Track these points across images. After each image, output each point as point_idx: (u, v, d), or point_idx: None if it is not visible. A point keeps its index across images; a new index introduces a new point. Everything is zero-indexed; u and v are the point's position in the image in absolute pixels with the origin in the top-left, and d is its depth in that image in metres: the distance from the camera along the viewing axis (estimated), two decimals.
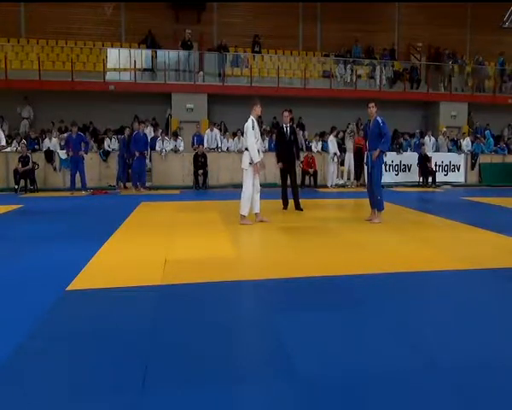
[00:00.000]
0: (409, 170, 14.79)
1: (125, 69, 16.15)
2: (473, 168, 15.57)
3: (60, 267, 4.56)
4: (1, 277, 4.27)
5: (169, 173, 13.62)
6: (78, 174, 11.94)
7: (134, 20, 17.29)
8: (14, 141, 13.14)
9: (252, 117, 6.98)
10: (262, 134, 10.88)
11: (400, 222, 7.40)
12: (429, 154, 14.56)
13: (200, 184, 13.15)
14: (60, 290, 3.79)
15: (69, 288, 3.88)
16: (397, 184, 14.17)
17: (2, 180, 12.79)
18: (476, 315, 3.39)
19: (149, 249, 5.34)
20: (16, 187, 12.12)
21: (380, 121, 7.10)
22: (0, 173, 12.80)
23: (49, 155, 13.12)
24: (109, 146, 13.69)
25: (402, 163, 14.81)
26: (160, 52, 16.62)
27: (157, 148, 13.58)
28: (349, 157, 13.86)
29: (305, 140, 15.17)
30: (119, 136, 13.53)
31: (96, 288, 3.92)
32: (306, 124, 16.60)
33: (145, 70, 16.37)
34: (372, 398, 2.24)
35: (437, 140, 15.91)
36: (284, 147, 8.48)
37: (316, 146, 14.67)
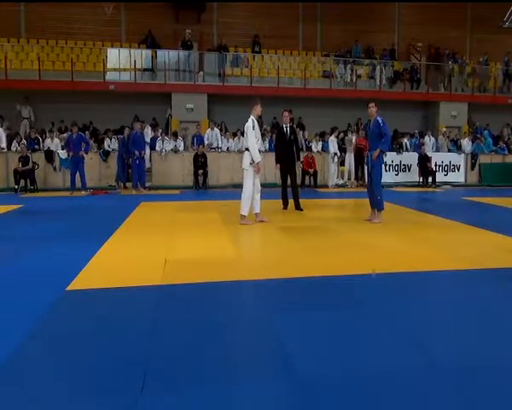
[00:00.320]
0: (409, 170, 14.79)
1: (125, 69, 16.15)
2: (473, 168, 15.57)
3: (60, 267, 4.56)
4: (1, 277, 4.27)
5: (169, 173, 13.62)
6: (78, 174, 11.94)
7: (134, 20, 17.29)
8: (14, 141, 13.13)
9: (252, 117, 6.98)
10: (263, 134, 10.88)
11: (400, 222, 7.40)
12: (429, 154, 14.56)
13: (200, 184, 13.15)
14: (60, 290, 3.79)
15: (69, 288, 3.88)
16: (397, 184, 14.17)
17: (2, 180, 12.79)
18: (476, 315, 3.39)
19: (149, 249, 5.34)
20: (16, 187, 12.12)
21: (380, 121, 7.10)
22: (0, 173, 12.80)
23: (49, 155, 13.12)
24: (109, 146, 13.68)
25: (402, 163, 14.82)
26: (159, 52, 16.62)
27: (157, 148, 13.58)
28: (349, 157, 13.87)
29: (305, 140, 15.18)
30: (119, 136, 13.53)
31: (95, 288, 3.92)
32: (306, 124, 16.60)
33: (145, 70, 16.37)
34: (372, 398, 2.24)
35: (437, 140, 15.91)
36: (284, 147, 8.47)
37: (316, 146, 14.67)
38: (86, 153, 12.23)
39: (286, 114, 8.61)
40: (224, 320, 3.22)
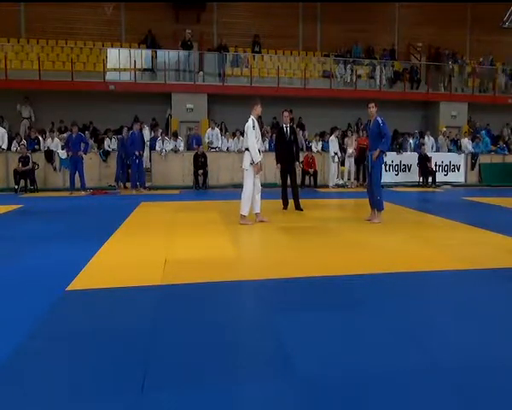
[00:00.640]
0: (409, 170, 14.79)
1: (125, 69, 16.16)
2: (473, 168, 15.57)
3: (60, 267, 4.56)
4: (1, 277, 4.27)
5: (169, 173, 13.61)
6: (77, 174, 11.94)
7: (134, 20, 17.30)
8: (14, 141, 13.14)
9: (252, 117, 6.97)
10: (263, 134, 10.87)
11: (400, 222, 7.40)
12: (429, 154, 14.56)
13: (200, 184, 13.15)
14: (60, 290, 3.79)
15: (69, 288, 3.88)
16: (397, 184, 14.17)
17: (2, 180, 12.79)
18: (476, 315, 3.38)
19: (149, 249, 5.34)
20: (16, 187, 12.12)
21: (380, 121, 7.10)
22: (0, 173, 12.81)
23: (49, 155, 13.12)
24: (109, 146, 13.68)
25: (402, 163, 14.82)
26: (159, 52, 16.62)
27: (157, 148, 13.58)
28: (349, 157, 13.86)
29: (305, 140, 15.18)
30: (119, 136, 13.53)
31: (96, 288, 3.92)
32: (306, 124, 16.61)
33: (145, 70, 16.38)
34: (372, 398, 2.24)
35: (437, 140, 15.91)
36: (284, 147, 8.47)
37: (316, 146, 14.67)
38: (85, 153, 12.23)
39: (286, 114, 8.61)
40: (223, 320, 3.22)
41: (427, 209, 9.06)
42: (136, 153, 12.14)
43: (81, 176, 11.96)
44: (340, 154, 13.66)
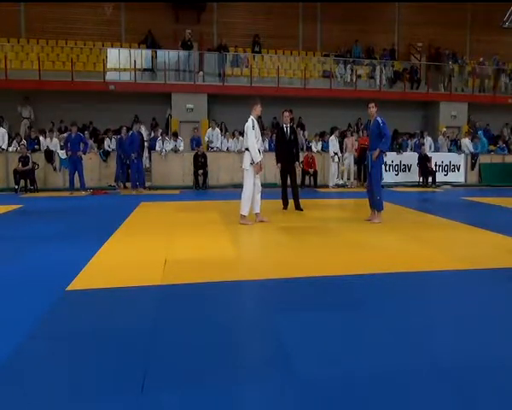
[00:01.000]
0: (409, 170, 14.80)
1: (125, 69, 16.15)
2: (473, 168, 15.57)
3: (60, 267, 4.56)
4: (1, 277, 4.27)
5: (169, 173, 13.61)
6: (77, 174, 11.94)
7: (134, 20, 17.30)
8: (14, 141, 13.13)
9: (252, 117, 6.97)
10: (263, 134, 10.87)
11: (400, 222, 7.40)
12: (429, 154, 14.56)
13: (200, 184, 13.15)
14: (60, 290, 3.79)
15: (69, 288, 3.88)
16: (397, 184, 14.17)
17: (2, 180, 12.79)
18: (476, 315, 3.39)
19: (149, 249, 5.34)
20: (16, 187, 12.12)
21: (380, 121, 7.10)
22: (0, 173, 12.80)
23: (49, 155, 13.12)
24: (109, 146, 13.68)
25: (402, 163, 14.82)
26: (160, 52, 16.62)
27: (157, 148, 13.57)
28: (349, 157, 13.87)
29: (305, 140, 15.18)
30: (118, 136, 13.52)
31: (96, 288, 3.92)
32: (306, 124, 16.62)
33: (145, 70, 16.38)
34: (372, 398, 2.24)
35: (437, 140, 15.91)
36: (284, 147, 8.48)
37: (316, 146, 14.68)
38: (84, 153, 12.23)
39: (286, 114, 8.61)
40: (223, 320, 3.22)
41: (427, 209, 9.06)
42: (134, 154, 12.08)
43: (80, 176, 11.96)
44: (340, 154, 13.67)
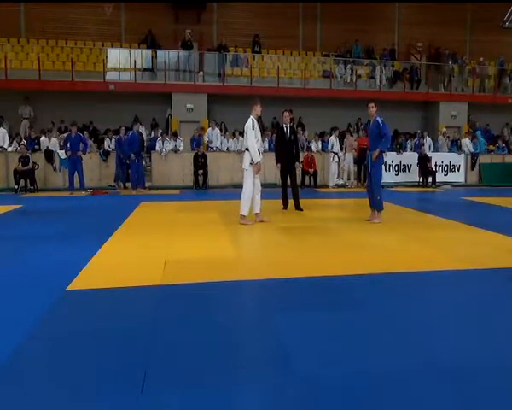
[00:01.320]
0: (409, 170, 14.79)
1: (125, 69, 16.16)
2: (473, 168, 15.57)
3: (60, 267, 4.56)
4: (1, 277, 4.27)
5: (169, 173, 13.62)
6: (76, 174, 11.93)
7: (134, 20, 17.31)
8: (14, 141, 13.13)
9: (252, 117, 6.97)
10: (263, 134, 10.87)
11: (400, 222, 7.40)
12: (429, 154, 14.56)
13: (200, 184, 13.15)
14: (60, 290, 3.79)
15: (69, 288, 3.88)
16: (397, 184, 14.17)
17: (2, 180, 12.79)
18: (476, 315, 3.39)
19: (149, 249, 5.33)
20: (16, 187, 12.12)
21: (380, 121, 7.10)
22: (0, 173, 12.80)
23: (49, 155, 13.11)
24: (109, 146, 13.67)
25: (402, 163, 14.81)
26: (160, 52, 16.63)
27: (157, 148, 13.57)
28: (348, 157, 13.87)
29: (306, 140, 15.18)
30: (117, 136, 13.51)
31: (96, 288, 3.92)
32: (306, 124, 16.62)
33: (145, 70, 16.38)
34: (372, 398, 2.24)
35: (437, 140, 15.90)
36: (284, 147, 8.47)
37: (316, 146, 14.67)
38: (84, 153, 12.22)
39: (286, 114, 8.61)
40: (223, 320, 3.22)
41: (427, 209, 9.06)
42: (133, 154, 12.07)
43: (80, 176, 11.96)
44: (340, 154, 13.67)
